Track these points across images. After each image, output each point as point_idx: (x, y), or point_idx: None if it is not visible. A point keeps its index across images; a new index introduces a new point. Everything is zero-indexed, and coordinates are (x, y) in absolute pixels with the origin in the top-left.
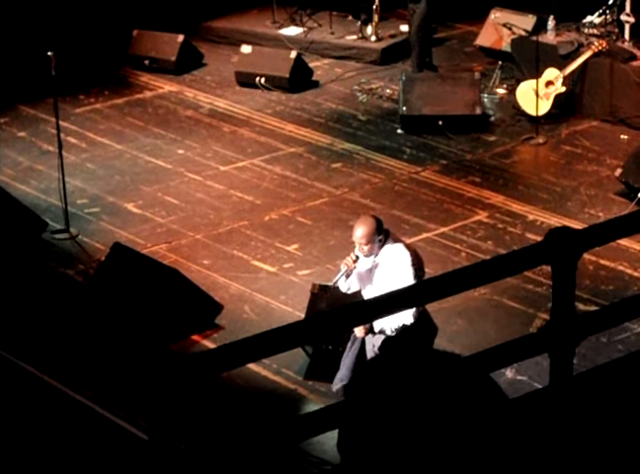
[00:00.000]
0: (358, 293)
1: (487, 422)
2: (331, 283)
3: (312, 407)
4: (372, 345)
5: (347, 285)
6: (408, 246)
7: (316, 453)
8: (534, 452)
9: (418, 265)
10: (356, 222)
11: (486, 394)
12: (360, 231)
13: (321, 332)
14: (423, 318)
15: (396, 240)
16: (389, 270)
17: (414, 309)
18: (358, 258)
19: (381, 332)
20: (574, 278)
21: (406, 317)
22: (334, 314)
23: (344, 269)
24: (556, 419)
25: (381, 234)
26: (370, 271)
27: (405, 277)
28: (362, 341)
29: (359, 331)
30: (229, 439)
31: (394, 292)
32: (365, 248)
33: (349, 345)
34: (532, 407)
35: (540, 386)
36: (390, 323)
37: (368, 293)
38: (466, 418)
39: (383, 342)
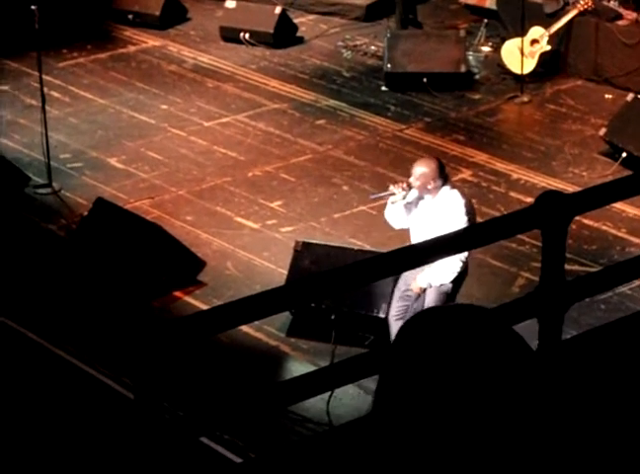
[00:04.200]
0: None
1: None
2: (371, 196)
3: (294, 364)
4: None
5: (392, 212)
6: (464, 194)
7: (298, 411)
8: (523, 419)
9: (471, 214)
10: (419, 160)
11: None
12: (418, 170)
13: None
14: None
15: (454, 187)
16: (442, 214)
17: (462, 255)
18: (410, 189)
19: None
20: (564, 243)
21: (454, 265)
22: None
23: (391, 191)
24: (545, 383)
25: (440, 179)
26: (423, 210)
27: (457, 225)
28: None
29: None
30: (214, 398)
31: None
32: (417, 184)
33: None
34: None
35: None
36: (439, 275)
37: (416, 231)
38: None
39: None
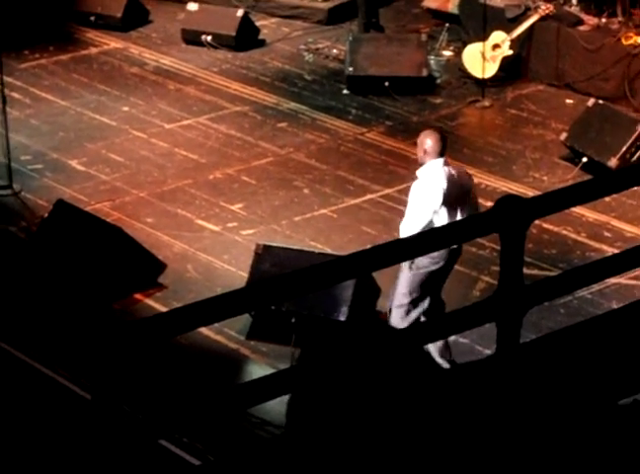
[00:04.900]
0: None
1: (430, 390)
2: None
3: (254, 367)
4: None
5: None
6: (451, 177)
7: (259, 414)
8: (482, 421)
9: (440, 201)
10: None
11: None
12: (419, 138)
13: (284, 294)
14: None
15: (446, 164)
16: (412, 189)
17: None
18: None
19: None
20: (522, 247)
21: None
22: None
23: None
24: (503, 387)
25: (429, 153)
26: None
27: (412, 205)
28: None
29: None
30: (173, 401)
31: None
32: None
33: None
34: (479, 375)
35: (481, 349)
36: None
37: None
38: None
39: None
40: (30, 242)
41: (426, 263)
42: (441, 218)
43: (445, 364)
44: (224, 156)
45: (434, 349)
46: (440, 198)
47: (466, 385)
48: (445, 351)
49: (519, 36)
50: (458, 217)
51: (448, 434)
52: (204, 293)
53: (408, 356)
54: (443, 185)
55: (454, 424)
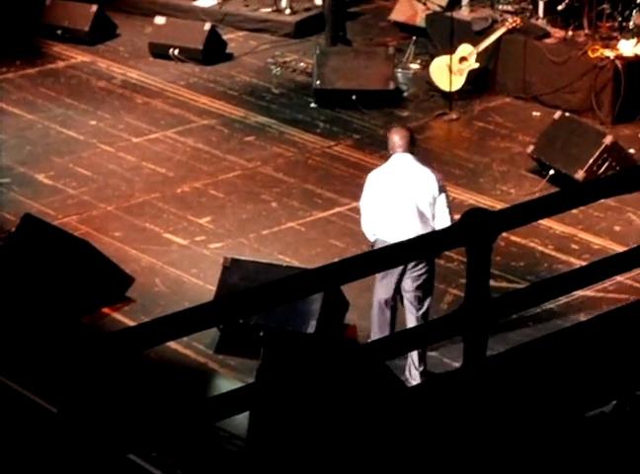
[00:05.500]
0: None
1: (392, 405)
2: None
3: (222, 381)
4: None
5: None
6: (382, 170)
7: (227, 428)
8: (448, 434)
9: (370, 187)
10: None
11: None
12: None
13: (251, 308)
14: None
15: (389, 160)
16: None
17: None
18: None
19: None
20: (489, 261)
21: None
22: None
23: None
24: (469, 400)
25: (391, 148)
26: None
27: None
28: None
29: None
30: (142, 414)
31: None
32: None
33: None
34: (446, 388)
35: (449, 362)
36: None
37: None
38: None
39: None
40: None
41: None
42: (380, 210)
43: (417, 379)
44: (192, 170)
45: (410, 360)
46: (369, 188)
47: (433, 398)
48: (420, 362)
49: (486, 48)
50: (399, 213)
51: (415, 447)
52: (172, 307)
53: (375, 370)
54: (370, 181)
55: (421, 437)
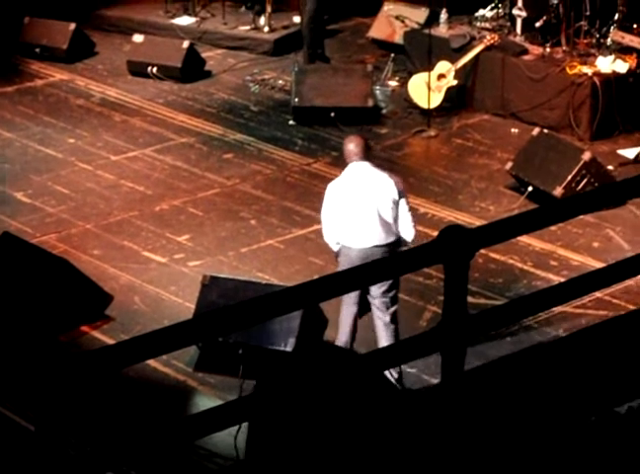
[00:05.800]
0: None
1: (380, 418)
2: None
3: (202, 399)
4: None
5: None
6: (341, 179)
7: (207, 446)
8: (428, 450)
9: (330, 197)
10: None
11: (379, 391)
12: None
13: (230, 326)
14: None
15: (346, 169)
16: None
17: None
18: None
19: None
20: (466, 278)
21: None
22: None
23: None
24: (447, 416)
25: (347, 157)
26: None
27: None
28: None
29: None
30: (121, 433)
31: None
32: None
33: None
34: (424, 404)
35: (428, 378)
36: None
37: None
38: (360, 414)
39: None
40: None
41: None
42: (342, 218)
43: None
44: (170, 188)
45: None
46: (330, 198)
47: (412, 414)
48: (398, 381)
49: (464, 65)
50: (361, 220)
51: (398, 462)
52: (152, 325)
53: (354, 386)
54: (335, 185)
55: (401, 453)
